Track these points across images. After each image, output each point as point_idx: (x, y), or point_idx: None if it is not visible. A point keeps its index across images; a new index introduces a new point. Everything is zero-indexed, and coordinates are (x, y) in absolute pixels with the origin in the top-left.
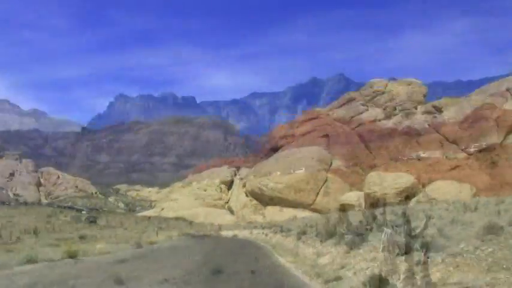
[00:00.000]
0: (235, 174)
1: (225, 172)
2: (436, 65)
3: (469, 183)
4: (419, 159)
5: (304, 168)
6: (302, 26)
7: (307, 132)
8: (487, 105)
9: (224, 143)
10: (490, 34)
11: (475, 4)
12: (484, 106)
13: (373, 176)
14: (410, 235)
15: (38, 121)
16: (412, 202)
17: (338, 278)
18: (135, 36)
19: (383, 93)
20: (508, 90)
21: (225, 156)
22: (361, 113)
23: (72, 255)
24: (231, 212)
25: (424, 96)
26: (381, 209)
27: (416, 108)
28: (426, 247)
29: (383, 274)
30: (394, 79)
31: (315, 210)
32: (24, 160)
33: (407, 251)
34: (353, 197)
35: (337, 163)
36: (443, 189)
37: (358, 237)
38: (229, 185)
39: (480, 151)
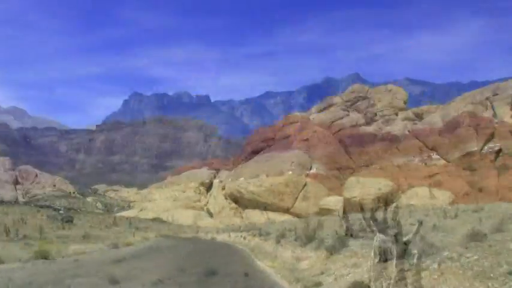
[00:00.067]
0: (215, 177)
1: (204, 174)
2: (451, 65)
3: (447, 190)
4: (398, 165)
5: (283, 172)
6: (317, 25)
7: (288, 136)
8: (467, 113)
9: (204, 145)
10: (506, 35)
11: (491, 4)
12: (464, 114)
13: (352, 181)
14: (401, 241)
15: (17, 119)
16: (391, 208)
17: (318, 284)
18: (150, 35)
19: (364, 98)
20: (487, 98)
21: (205, 158)
22: (342, 118)
23: (44, 256)
24: (210, 214)
25: (405, 102)
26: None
27: (396, 115)
28: (421, 253)
29: (369, 280)
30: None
31: (294, 214)
32: (0, 158)
33: (399, 256)
34: (332, 201)
35: (317, 167)
36: (422, 195)
37: (338, 242)
38: (209, 187)
39: (459, 158)
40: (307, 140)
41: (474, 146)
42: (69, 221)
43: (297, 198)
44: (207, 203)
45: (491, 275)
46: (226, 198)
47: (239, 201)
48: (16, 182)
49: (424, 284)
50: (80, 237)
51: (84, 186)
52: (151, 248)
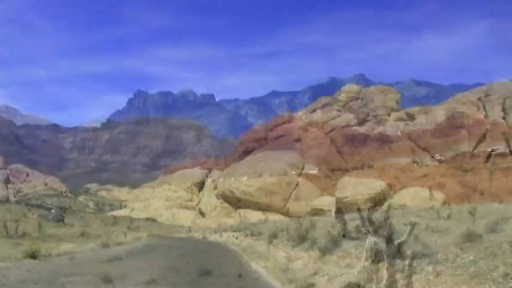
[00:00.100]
0: (207, 176)
1: (196, 174)
2: (457, 67)
3: (439, 191)
4: (390, 165)
5: (276, 172)
6: (322, 25)
7: (280, 135)
8: (460, 114)
9: (196, 145)
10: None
11: (496, 5)
12: (456, 115)
13: (344, 181)
14: (393, 243)
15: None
16: (383, 208)
17: (311, 285)
18: (156, 34)
19: (357, 99)
20: (479, 99)
21: (197, 158)
22: (334, 118)
23: (33, 255)
24: (202, 214)
25: (397, 103)
26: (352, 215)
27: (389, 115)
28: (413, 255)
29: (362, 282)
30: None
31: (285, 214)
32: None
33: (390, 258)
34: (324, 201)
35: (309, 167)
36: (414, 196)
37: (331, 242)
38: (201, 186)
39: (451, 159)
40: (299, 140)
41: (466, 147)
42: (60, 220)
43: (289, 198)
44: (199, 202)
45: (488, 276)
46: (218, 198)
47: (231, 201)
48: (7, 181)
49: (420, 286)
50: (70, 237)
51: (76, 186)
52: (143, 248)
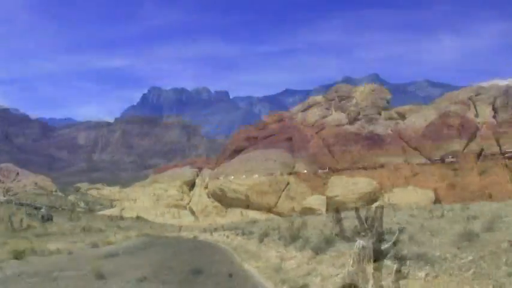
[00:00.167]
0: (198, 176)
1: (187, 173)
2: (472, 67)
3: (430, 190)
4: (381, 164)
5: (266, 171)
6: (337, 24)
7: (271, 134)
8: (450, 113)
9: (187, 144)
10: None
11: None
12: (446, 114)
13: (335, 181)
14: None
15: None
16: (374, 207)
17: (305, 286)
18: (171, 30)
19: (347, 98)
20: (470, 99)
21: (188, 157)
22: (325, 117)
23: (19, 256)
24: (192, 213)
25: (388, 102)
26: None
27: (380, 114)
28: (399, 259)
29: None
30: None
31: (276, 213)
32: None
33: (377, 261)
34: (315, 200)
35: (300, 167)
36: (405, 195)
37: (324, 242)
38: (191, 186)
39: (442, 158)
40: (290, 139)
41: (457, 146)
42: (49, 219)
43: (279, 197)
44: (190, 201)
45: (491, 277)
46: (209, 197)
47: (222, 199)
48: None
49: (419, 287)
50: (59, 236)
51: (66, 185)
52: (133, 248)
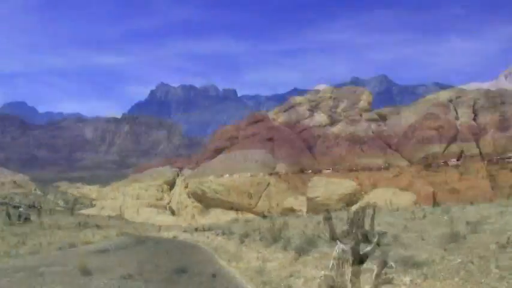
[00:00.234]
0: (178, 175)
1: (167, 172)
2: (482, 71)
3: (410, 191)
4: (362, 166)
5: (247, 171)
6: (347, 24)
7: (252, 135)
8: (431, 115)
9: (168, 143)
10: None
11: None
12: (427, 116)
13: (316, 181)
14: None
15: None
16: (354, 208)
17: (287, 287)
18: (180, 26)
19: (329, 99)
20: (451, 101)
21: (168, 156)
22: (306, 118)
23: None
24: (172, 212)
25: (369, 103)
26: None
27: (361, 115)
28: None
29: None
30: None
31: (256, 214)
32: None
33: (357, 265)
34: (296, 201)
35: (281, 167)
36: (385, 196)
37: (307, 242)
38: (172, 185)
39: (422, 160)
40: (271, 139)
41: (437, 148)
42: (27, 218)
43: (260, 197)
44: (170, 201)
45: (483, 280)
46: (189, 197)
47: (202, 199)
48: None
49: None
50: (35, 235)
51: (45, 183)
52: (111, 248)
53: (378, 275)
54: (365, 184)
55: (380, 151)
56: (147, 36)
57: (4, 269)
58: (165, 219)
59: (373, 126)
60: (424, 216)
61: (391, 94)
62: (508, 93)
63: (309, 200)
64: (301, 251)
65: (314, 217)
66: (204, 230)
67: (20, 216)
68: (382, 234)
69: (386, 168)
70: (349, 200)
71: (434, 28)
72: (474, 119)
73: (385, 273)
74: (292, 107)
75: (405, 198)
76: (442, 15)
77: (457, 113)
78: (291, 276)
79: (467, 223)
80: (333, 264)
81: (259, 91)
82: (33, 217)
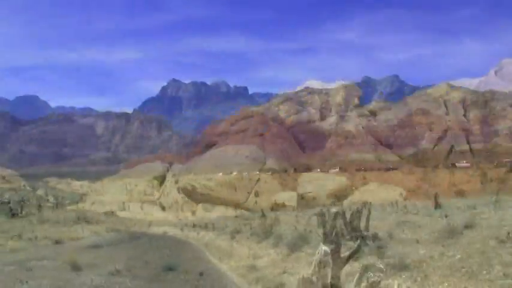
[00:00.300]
0: (168, 170)
1: (157, 168)
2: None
3: (400, 186)
4: (352, 161)
5: (237, 167)
6: (360, 24)
7: (242, 130)
8: (421, 111)
9: (158, 139)
10: None
11: None
12: (417, 111)
13: (306, 177)
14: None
15: None
16: (345, 203)
17: (281, 285)
18: (193, 23)
19: (320, 94)
20: (441, 97)
21: (159, 152)
22: (297, 114)
23: None
24: (163, 208)
25: (359, 99)
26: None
27: (351, 111)
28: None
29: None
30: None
31: (247, 209)
32: None
33: (338, 267)
34: (286, 196)
35: (271, 162)
36: (375, 191)
37: (299, 239)
38: (162, 181)
39: (412, 155)
40: (261, 135)
41: (427, 144)
42: (15, 214)
43: (250, 193)
44: (160, 196)
45: (487, 277)
46: (179, 192)
47: (192, 195)
48: None
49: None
50: (24, 232)
51: (35, 179)
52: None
53: (359, 280)
54: (355, 179)
55: (370, 146)
56: (159, 33)
57: None
58: (155, 214)
59: (364, 121)
60: (417, 211)
61: (402, 94)
62: (497, 90)
63: (300, 195)
64: (293, 247)
65: (305, 212)
66: (194, 225)
67: (8, 212)
68: (365, 236)
69: (377, 164)
70: (339, 195)
71: (447, 29)
72: (464, 115)
73: (371, 277)
74: (282, 102)
75: (395, 193)
76: (455, 16)
77: (447, 108)
78: (284, 273)
79: (461, 218)
80: (314, 266)
81: (270, 89)
82: (23, 212)
